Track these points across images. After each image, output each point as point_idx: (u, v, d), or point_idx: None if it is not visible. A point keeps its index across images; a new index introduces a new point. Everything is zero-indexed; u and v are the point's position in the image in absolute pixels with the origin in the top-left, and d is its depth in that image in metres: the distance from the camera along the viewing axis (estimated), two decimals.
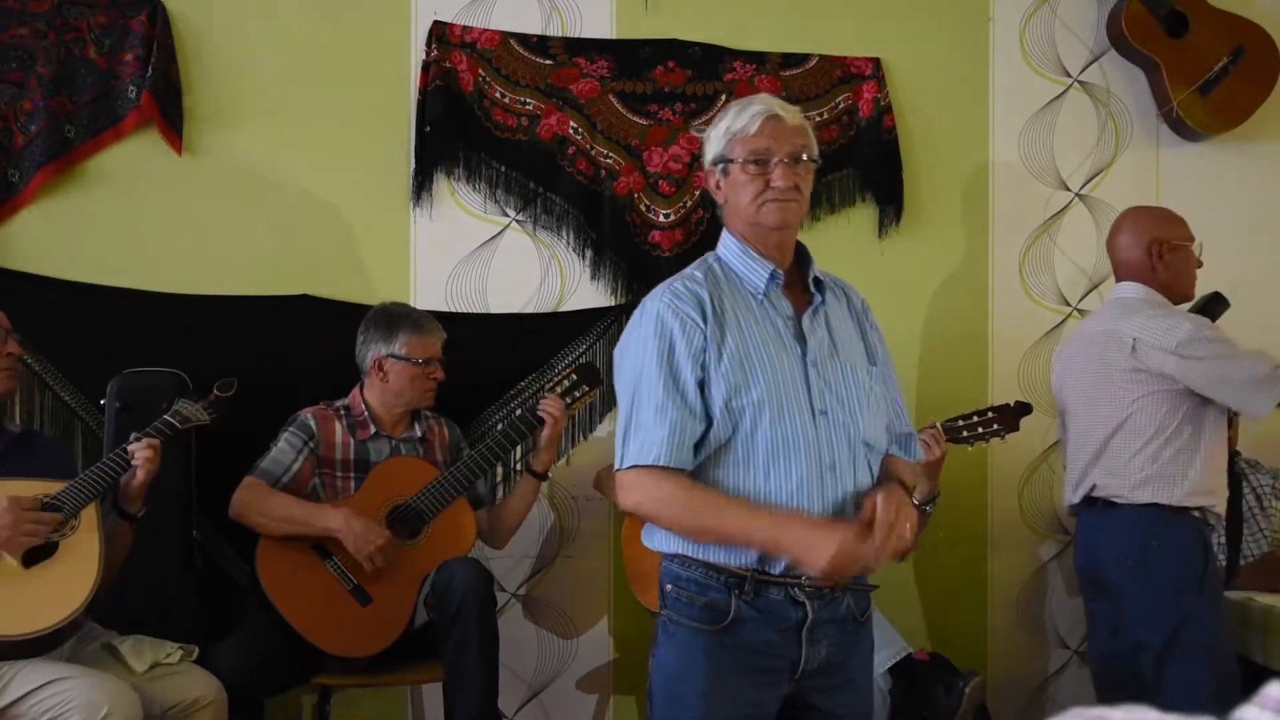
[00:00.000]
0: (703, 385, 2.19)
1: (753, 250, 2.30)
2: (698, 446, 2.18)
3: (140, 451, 2.99)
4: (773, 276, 2.28)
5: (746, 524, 2.13)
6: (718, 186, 2.32)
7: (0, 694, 2.72)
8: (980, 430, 3.46)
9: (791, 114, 2.29)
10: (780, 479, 2.17)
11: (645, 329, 2.24)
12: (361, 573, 3.26)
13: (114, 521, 3.02)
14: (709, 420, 2.18)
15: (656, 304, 2.25)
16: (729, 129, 2.27)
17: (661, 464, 2.15)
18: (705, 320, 2.21)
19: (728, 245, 2.34)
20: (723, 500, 2.16)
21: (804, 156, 2.27)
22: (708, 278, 2.28)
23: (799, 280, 2.35)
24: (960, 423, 3.47)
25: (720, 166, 2.30)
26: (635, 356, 2.23)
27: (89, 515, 2.92)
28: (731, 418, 2.17)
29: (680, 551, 2.21)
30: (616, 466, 2.23)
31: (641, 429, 2.18)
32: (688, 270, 2.33)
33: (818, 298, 2.32)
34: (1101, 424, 3.28)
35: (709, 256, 2.36)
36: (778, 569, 2.17)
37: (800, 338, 2.27)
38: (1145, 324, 3.25)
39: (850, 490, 2.21)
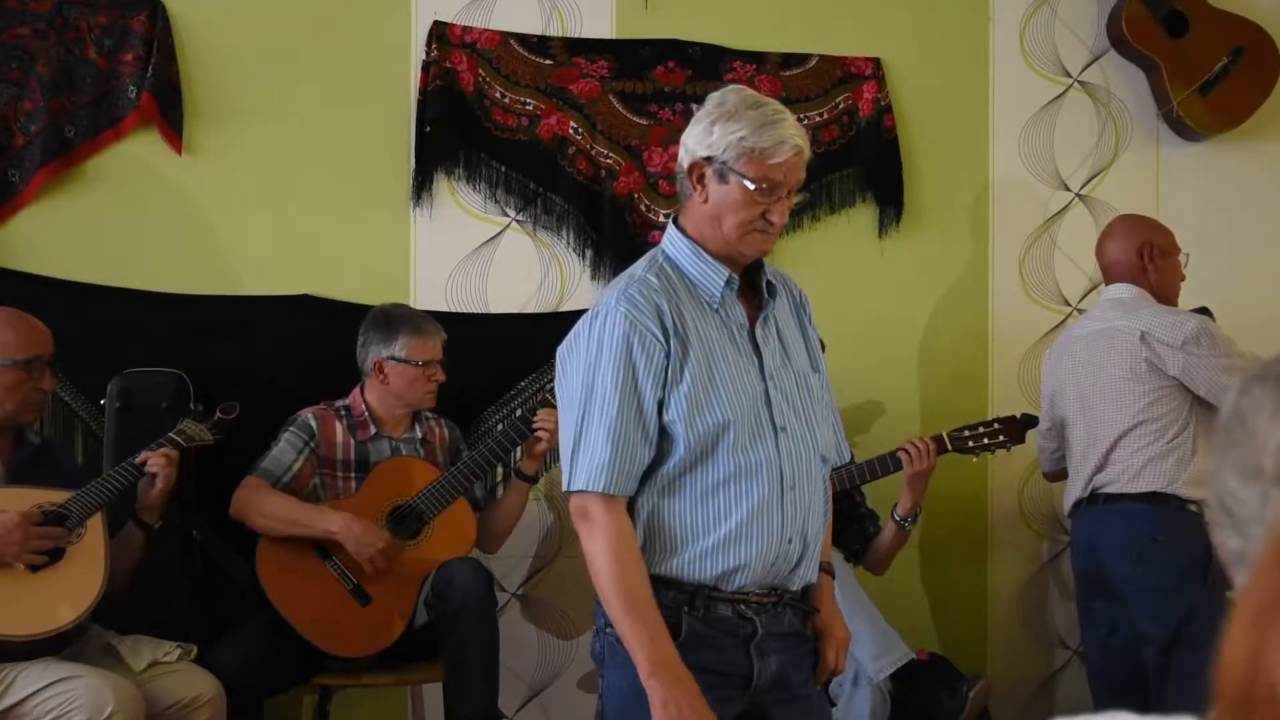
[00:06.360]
0: (662, 406, 2.09)
1: (706, 253, 2.15)
2: (651, 471, 2.11)
3: (155, 460, 3.02)
4: (729, 283, 2.15)
5: (637, 631, 2.05)
6: (700, 182, 2.14)
7: (3, 694, 2.75)
8: (986, 441, 3.46)
9: (807, 145, 2.14)
10: (741, 503, 2.10)
11: (600, 340, 2.10)
12: (362, 573, 3.25)
13: (129, 529, 3.06)
14: (661, 444, 2.10)
15: (613, 315, 2.10)
16: (745, 141, 2.08)
17: (610, 492, 2.07)
18: (666, 335, 2.09)
19: (678, 245, 2.18)
20: (647, 592, 2.07)
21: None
22: (662, 282, 2.14)
23: (746, 283, 2.21)
24: (966, 433, 3.47)
25: (717, 168, 2.11)
26: (586, 368, 2.10)
27: (95, 524, 2.96)
28: (695, 440, 2.09)
29: None
30: (565, 486, 2.14)
31: (591, 451, 2.08)
32: (639, 273, 2.16)
33: (770, 304, 2.20)
34: (1109, 427, 3.29)
35: (657, 255, 2.20)
36: (731, 586, 2.12)
37: (755, 349, 2.17)
38: (1152, 318, 3.27)
39: (806, 508, 2.16)
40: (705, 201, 2.14)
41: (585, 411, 2.10)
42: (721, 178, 2.12)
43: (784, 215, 2.13)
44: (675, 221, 2.22)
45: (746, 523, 2.11)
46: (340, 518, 3.23)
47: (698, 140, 2.14)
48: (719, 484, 2.11)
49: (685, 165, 2.16)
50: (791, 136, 2.10)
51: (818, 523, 2.21)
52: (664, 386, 2.09)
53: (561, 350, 2.20)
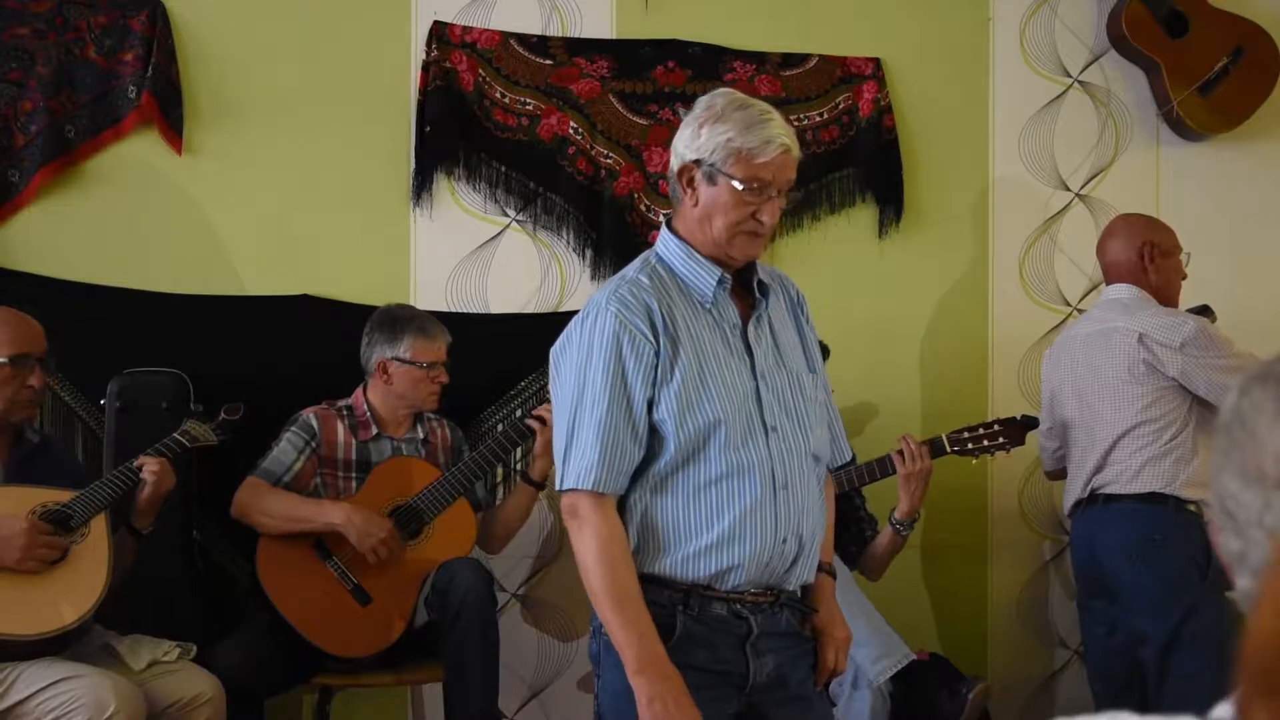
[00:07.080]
0: (652, 404, 2.10)
1: (698, 254, 2.17)
2: (642, 470, 2.12)
3: (150, 466, 3.02)
4: (720, 282, 2.16)
5: (625, 630, 2.05)
6: (690, 185, 2.15)
7: (5, 694, 2.76)
8: (985, 442, 3.44)
9: (796, 144, 2.15)
10: (734, 503, 2.11)
11: (591, 340, 2.12)
12: (362, 572, 3.25)
13: (122, 535, 3.05)
14: (651, 443, 2.10)
15: (603, 315, 2.12)
16: (733, 142, 2.10)
17: (599, 490, 2.08)
18: (656, 334, 2.10)
19: (669, 246, 2.20)
20: (635, 591, 2.08)
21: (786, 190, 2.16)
22: (654, 282, 2.15)
23: (739, 283, 2.22)
24: (965, 434, 3.45)
25: (705, 170, 2.13)
26: (578, 368, 2.13)
27: (99, 524, 2.96)
28: (685, 439, 2.10)
29: None
30: (558, 485, 2.15)
31: (581, 450, 2.09)
32: (630, 274, 2.19)
33: (763, 303, 2.22)
34: (1108, 427, 3.30)
35: (649, 256, 2.22)
36: (725, 585, 2.13)
37: (747, 348, 2.18)
38: (1150, 320, 3.28)
39: (800, 508, 2.16)
40: (695, 204, 2.16)
41: (577, 411, 2.12)
42: (710, 179, 2.13)
43: (774, 215, 2.14)
44: (668, 224, 2.24)
45: (739, 523, 2.11)
46: (342, 509, 3.23)
47: (686, 144, 2.16)
48: (710, 483, 2.12)
49: (675, 169, 2.18)
50: (778, 136, 2.11)
51: (813, 522, 2.21)
52: (654, 385, 2.10)
53: (554, 351, 2.23)
